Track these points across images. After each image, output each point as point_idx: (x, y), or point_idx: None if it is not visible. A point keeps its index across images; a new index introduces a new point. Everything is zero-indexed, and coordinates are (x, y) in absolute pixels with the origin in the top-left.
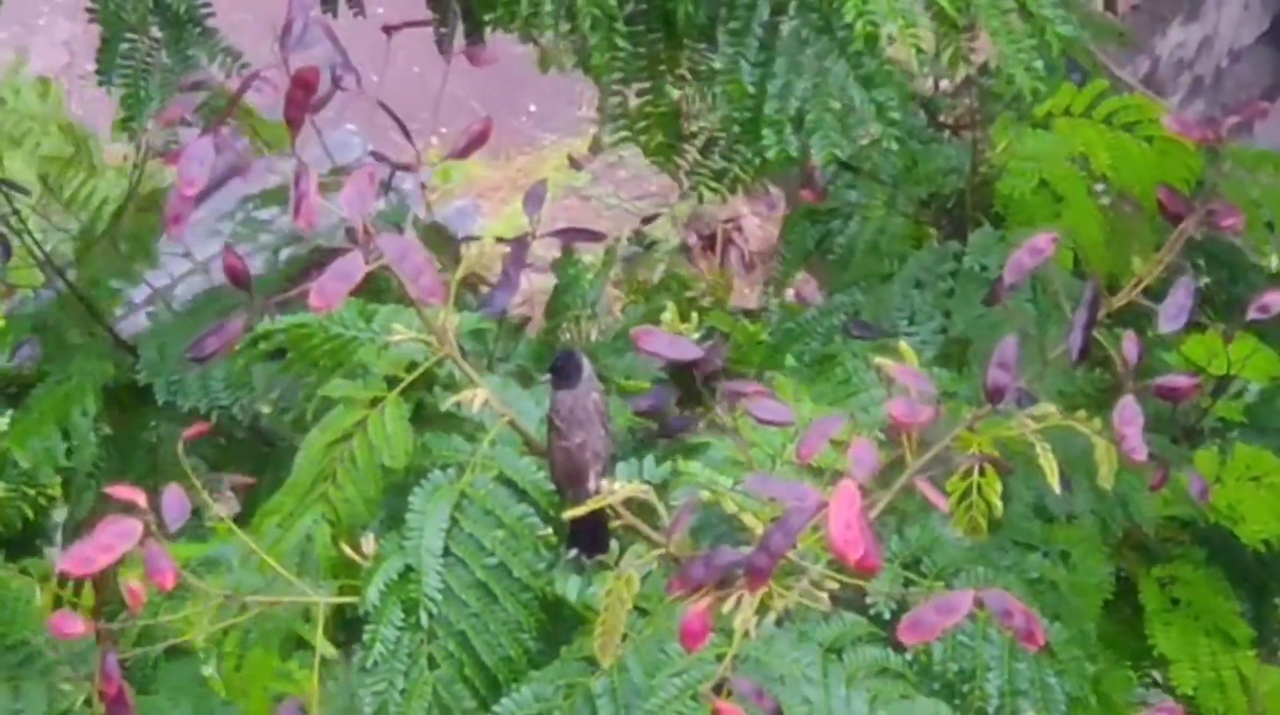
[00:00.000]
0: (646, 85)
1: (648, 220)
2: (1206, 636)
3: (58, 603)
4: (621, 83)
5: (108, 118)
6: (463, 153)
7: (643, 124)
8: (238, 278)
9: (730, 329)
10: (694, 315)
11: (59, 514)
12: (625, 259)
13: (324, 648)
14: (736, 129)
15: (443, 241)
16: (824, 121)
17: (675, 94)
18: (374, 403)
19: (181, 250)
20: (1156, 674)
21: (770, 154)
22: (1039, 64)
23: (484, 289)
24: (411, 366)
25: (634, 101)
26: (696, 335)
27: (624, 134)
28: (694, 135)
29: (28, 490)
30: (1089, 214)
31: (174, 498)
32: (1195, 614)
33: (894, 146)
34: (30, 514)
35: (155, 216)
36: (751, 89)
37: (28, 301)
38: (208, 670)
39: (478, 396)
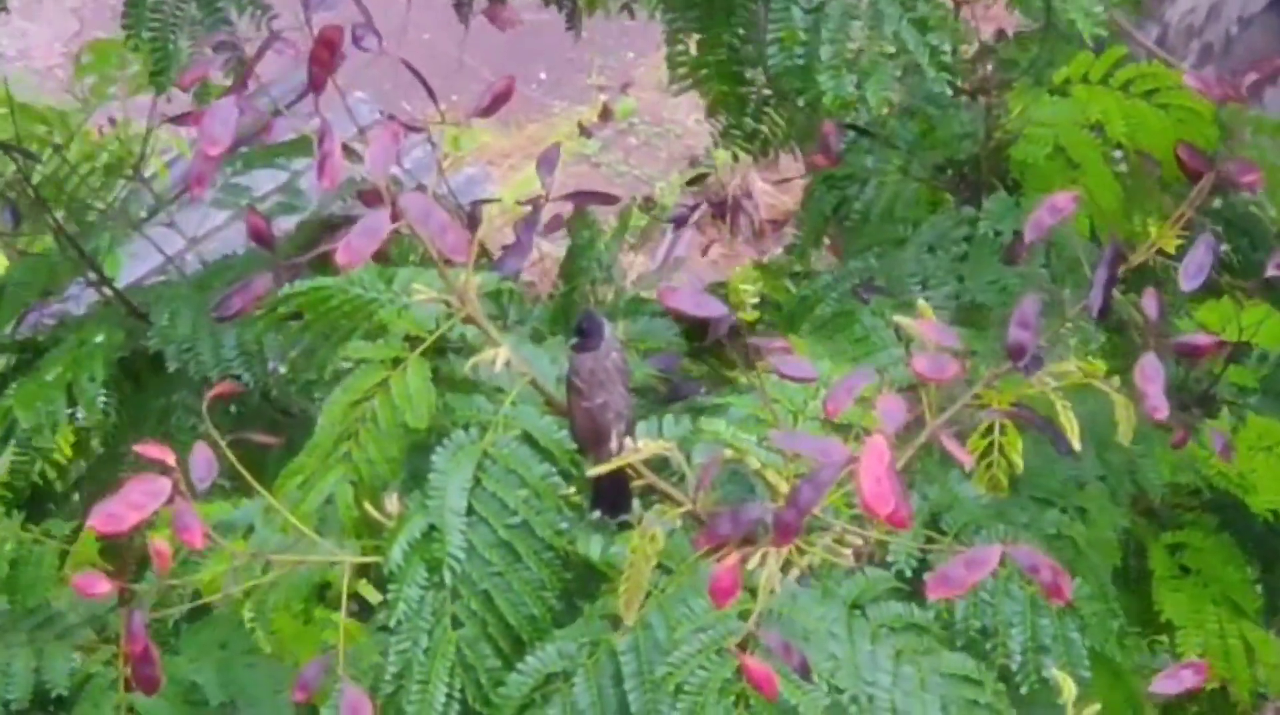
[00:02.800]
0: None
1: (694, 162)
2: (1214, 604)
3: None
4: (682, 29)
5: None
6: (486, 111)
7: (705, 73)
8: (262, 238)
9: (771, 290)
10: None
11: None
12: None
13: (350, 607)
14: (788, 77)
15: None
16: (879, 65)
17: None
18: (395, 363)
19: (165, 219)
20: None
21: (828, 99)
22: (1099, 9)
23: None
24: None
25: (694, 50)
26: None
27: (687, 83)
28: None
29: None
30: (1104, 180)
31: (202, 458)
32: (1204, 581)
33: (947, 90)
34: (39, 479)
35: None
36: (803, 35)
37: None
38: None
39: (499, 356)
